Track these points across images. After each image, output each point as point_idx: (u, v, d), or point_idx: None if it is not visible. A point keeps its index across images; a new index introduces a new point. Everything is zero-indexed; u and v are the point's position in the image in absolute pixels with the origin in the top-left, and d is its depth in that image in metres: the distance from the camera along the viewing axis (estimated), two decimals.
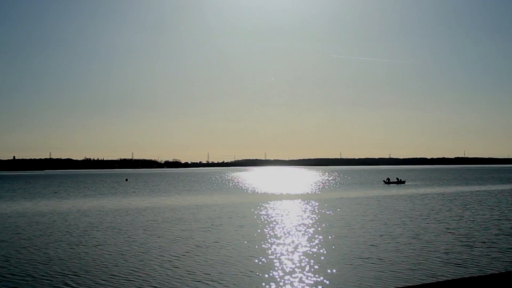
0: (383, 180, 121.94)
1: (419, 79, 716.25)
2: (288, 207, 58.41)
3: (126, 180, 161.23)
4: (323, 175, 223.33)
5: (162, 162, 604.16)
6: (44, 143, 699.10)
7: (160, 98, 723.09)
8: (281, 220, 44.86)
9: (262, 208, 57.43)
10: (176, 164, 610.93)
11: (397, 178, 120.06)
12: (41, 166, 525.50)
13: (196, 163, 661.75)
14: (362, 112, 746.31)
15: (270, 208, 57.27)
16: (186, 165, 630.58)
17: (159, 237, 35.89)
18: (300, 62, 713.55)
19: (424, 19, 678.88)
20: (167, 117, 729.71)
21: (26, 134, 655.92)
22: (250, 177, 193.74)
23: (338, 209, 54.55)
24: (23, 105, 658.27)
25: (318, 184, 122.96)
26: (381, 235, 35.03)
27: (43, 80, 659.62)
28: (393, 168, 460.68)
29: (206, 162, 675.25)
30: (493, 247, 29.87)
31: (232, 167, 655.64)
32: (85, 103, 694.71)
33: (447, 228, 38.33)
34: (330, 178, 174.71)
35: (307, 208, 56.13)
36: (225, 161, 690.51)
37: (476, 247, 29.93)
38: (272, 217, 47.62)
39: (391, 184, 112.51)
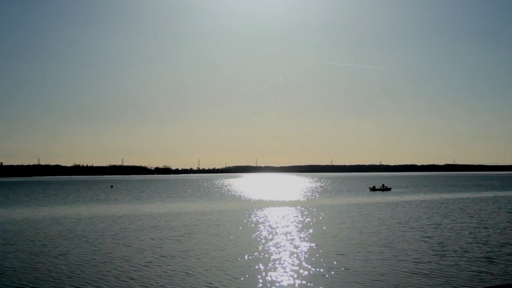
0: (369, 187, 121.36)
1: (410, 86, 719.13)
2: (267, 214, 57.40)
3: (111, 186, 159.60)
4: (312, 182, 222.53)
5: (152, 169, 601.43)
6: (33, 149, 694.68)
7: (151, 104, 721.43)
8: (255, 228, 43.87)
9: (239, 216, 56.42)
10: (166, 171, 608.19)
11: (383, 185, 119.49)
12: (29, 172, 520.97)
13: (187, 169, 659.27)
14: (353, 119, 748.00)
15: (248, 216, 56.27)
16: (176, 171, 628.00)
17: (126, 246, 34.83)
18: (292, 68, 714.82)
19: (414, 26, 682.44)
20: (158, 123, 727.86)
21: (15, 141, 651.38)
22: (237, 184, 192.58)
23: (317, 217, 53.61)
24: (12, 110, 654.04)
25: (304, 191, 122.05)
26: (354, 244, 34.17)
27: (33, 86, 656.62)
28: (383, 175, 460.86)
29: (197, 169, 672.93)
30: (464, 256, 29.08)
31: (223, 173, 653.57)
32: (75, 109, 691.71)
33: (422, 237, 37.55)
34: (319, 185, 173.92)
35: (285, 216, 55.18)
36: (216, 168, 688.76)
37: (447, 256, 29.12)
38: (247, 225, 46.63)
39: (376, 191, 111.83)
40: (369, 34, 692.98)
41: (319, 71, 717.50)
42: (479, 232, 39.95)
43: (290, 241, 35.71)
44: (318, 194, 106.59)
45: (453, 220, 49.26)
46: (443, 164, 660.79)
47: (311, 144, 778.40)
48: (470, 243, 34.22)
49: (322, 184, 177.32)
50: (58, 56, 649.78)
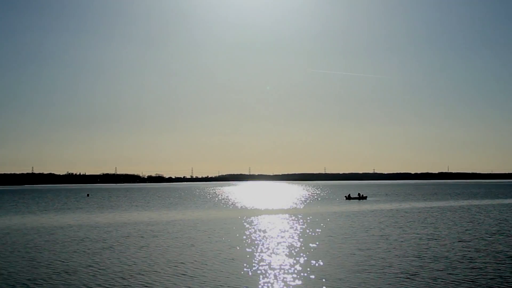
0: (345, 196, 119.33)
1: (403, 94, 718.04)
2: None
3: (88, 195, 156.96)
4: (301, 190, 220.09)
5: (145, 177, 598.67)
6: (27, 158, 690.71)
7: (144, 113, 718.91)
8: (200, 239, 41.54)
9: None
10: (159, 179, 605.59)
11: (359, 194, 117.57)
12: (22, 181, 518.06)
13: (180, 178, 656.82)
14: (346, 127, 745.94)
15: (202, 225, 53.93)
16: (170, 180, 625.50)
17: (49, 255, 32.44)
18: (285, 76, 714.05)
19: (406, 34, 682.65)
20: (152, 132, 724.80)
21: (8, 149, 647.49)
22: (227, 192, 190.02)
23: (266, 228, 51.26)
24: (5, 118, 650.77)
25: (284, 200, 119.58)
26: (285, 255, 31.86)
27: (26, 94, 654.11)
28: (376, 183, 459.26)
29: (190, 177, 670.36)
30: (391, 271, 26.77)
31: (216, 182, 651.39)
32: (69, 118, 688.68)
33: (359, 249, 35.15)
34: (305, 193, 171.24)
35: (233, 225, 52.86)
36: (210, 176, 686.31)
37: (374, 271, 26.82)
38: (193, 236, 44.26)
39: (352, 200, 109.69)
40: (363, 43, 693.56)
41: (312, 80, 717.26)
42: (417, 244, 37.56)
43: (206, 253, 33.42)
44: (289, 202, 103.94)
45: (411, 229, 47.00)
46: (437, 172, 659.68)
47: (304, 152, 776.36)
48: (404, 256, 31.85)
49: (308, 193, 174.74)
50: (52, 64, 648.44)
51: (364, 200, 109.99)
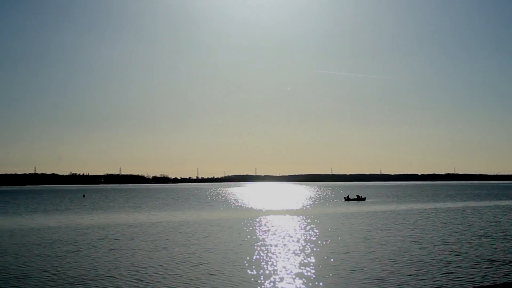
0: (344, 197, 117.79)
1: (410, 95, 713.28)
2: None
3: (84, 196, 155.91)
4: (303, 191, 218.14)
5: (150, 178, 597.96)
6: (29, 158, 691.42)
7: (150, 113, 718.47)
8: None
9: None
10: (164, 180, 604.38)
11: (358, 196, 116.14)
12: (25, 181, 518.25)
13: (186, 178, 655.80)
14: (353, 128, 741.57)
15: (186, 227, 52.55)
16: (175, 180, 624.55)
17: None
18: (292, 77, 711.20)
19: (415, 35, 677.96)
20: (157, 132, 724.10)
21: (10, 149, 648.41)
22: (232, 193, 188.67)
23: (247, 229, 49.81)
24: (8, 118, 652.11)
25: (273, 201, 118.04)
26: (264, 257, 30.45)
27: (30, 94, 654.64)
28: (382, 184, 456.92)
29: (195, 178, 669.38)
30: (359, 275, 25.24)
31: (222, 182, 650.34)
32: (73, 118, 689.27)
33: (334, 252, 33.60)
34: (304, 194, 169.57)
35: (219, 227, 51.45)
36: (215, 177, 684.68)
37: (342, 275, 25.28)
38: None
39: (350, 201, 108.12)
40: (370, 43, 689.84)
41: (318, 80, 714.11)
42: (397, 247, 35.95)
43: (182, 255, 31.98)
44: (287, 204, 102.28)
45: (388, 233, 45.32)
46: (443, 173, 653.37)
47: (311, 153, 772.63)
48: (390, 260, 30.31)
49: (310, 194, 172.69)
50: (57, 64, 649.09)
51: (363, 201, 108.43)
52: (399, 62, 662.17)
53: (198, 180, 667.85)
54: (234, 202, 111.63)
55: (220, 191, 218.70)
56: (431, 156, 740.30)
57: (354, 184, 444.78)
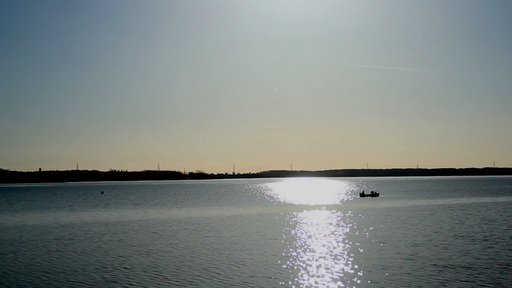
0: (359, 193, 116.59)
1: (446, 88, 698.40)
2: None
3: (102, 193, 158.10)
4: (331, 186, 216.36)
5: (187, 174, 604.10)
6: (72, 155, 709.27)
7: (185, 110, 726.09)
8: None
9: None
10: (200, 176, 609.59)
11: (372, 192, 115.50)
12: (67, 178, 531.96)
13: (222, 174, 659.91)
14: (389, 122, 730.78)
15: (168, 226, 52.70)
16: (211, 176, 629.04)
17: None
18: (327, 72, 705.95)
19: (450, 28, 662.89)
20: (194, 128, 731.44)
21: (54, 146, 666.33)
22: (271, 189, 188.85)
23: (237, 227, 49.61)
24: (52, 117, 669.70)
25: (303, 196, 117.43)
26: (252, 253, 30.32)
27: (70, 93, 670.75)
28: (416, 179, 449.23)
29: (232, 174, 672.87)
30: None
31: (258, 178, 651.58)
32: (114, 116, 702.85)
33: (295, 250, 33.09)
34: (332, 189, 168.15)
35: (201, 226, 51.43)
36: (251, 172, 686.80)
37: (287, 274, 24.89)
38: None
39: (365, 197, 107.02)
40: (405, 37, 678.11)
41: (353, 75, 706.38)
42: (361, 248, 35.08)
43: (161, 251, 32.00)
44: (301, 200, 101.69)
45: (365, 232, 44.33)
46: (482, 167, 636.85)
47: (346, 148, 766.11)
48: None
49: (338, 189, 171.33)
50: (97, 64, 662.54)
51: (376, 197, 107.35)
52: (436, 55, 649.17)
53: (234, 175, 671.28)
54: (259, 197, 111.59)
55: (252, 188, 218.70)
56: (469, 150, 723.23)
57: (391, 179, 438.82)
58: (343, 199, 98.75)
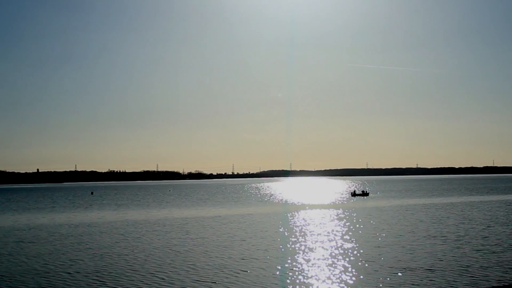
0: (350, 193, 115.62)
1: (446, 87, 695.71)
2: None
3: (92, 193, 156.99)
4: (333, 185, 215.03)
5: (185, 174, 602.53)
6: (70, 156, 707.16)
7: (185, 110, 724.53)
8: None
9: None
10: (199, 176, 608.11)
11: (362, 191, 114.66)
12: (65, 178, 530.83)
13: (221, 174, 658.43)
14: (388, 122, 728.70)
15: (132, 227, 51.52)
16: (210, 176, 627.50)
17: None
18: (326, 72, 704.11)
19: (450, 28, 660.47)
20: (192, 129, 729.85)
21: (52, 147, 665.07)
22: (270, 188, 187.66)
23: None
24: (50, 118, 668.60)
25: (300, 196, 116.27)
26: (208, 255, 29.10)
27: (68, 94, 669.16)
28: (418, 178, 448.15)
29: (231, 173, 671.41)
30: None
31: (257, 178, 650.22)
32: (112, 116, 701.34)
33: (262, 250, 31.85)
34: (329, 188, 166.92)
35: (170, 227, 50.22)
36: (251, 172, 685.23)
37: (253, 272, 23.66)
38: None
39: (356, 197, 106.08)
40: (404, 36, 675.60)
41: (352, 74, 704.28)
42: (329, 247, 33.84)
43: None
44: (288, 199, 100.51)
45: (336, 232, 43.08)
46: (481, 166, 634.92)
47: (346, 147, 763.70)
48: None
49: (334, 188, 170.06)
50: (95, 64, 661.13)
51: (366, 196, 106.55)
52: (435, 55, 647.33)
53: (233, 175, 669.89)
54: (248, 197, 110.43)
55: (246, 188, 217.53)
56: (469, 149, 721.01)
57: (390, 178, 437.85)
58: (334, 199, 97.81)
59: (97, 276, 25.90)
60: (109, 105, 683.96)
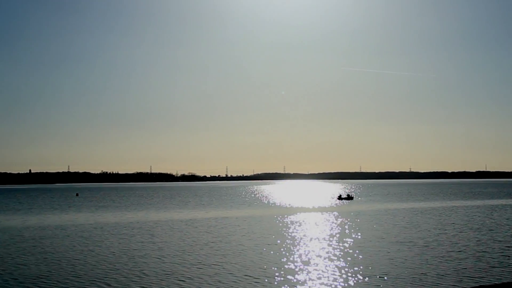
0: (337, 196, 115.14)
1: (440, 92, 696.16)
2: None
3: (77, 195, 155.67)
4: (325, 188, 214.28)
5: (179, 176, 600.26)
6: (63, 157, 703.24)
7: (179, 112, 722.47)
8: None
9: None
10: (192, 178, 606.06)
11: (348, 195, 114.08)
12: (58, 179, 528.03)
13: (215, 176, 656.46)
14: (382, 126, 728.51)
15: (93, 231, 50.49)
16: (204, 178, 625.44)
17: None
18: (321, 75, 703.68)
19: (443, 33, 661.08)
20: (186, 131, 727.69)
21: (44, 148, 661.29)
22: (261, 191, 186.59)
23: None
24: (43, 118, 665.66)
25: (288, 199, 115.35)
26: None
27: (61, 94, 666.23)
28: (408, 182, 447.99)
29: (225, 176, 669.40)
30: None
31: (251, 180, 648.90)
32: (104, 118, 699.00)
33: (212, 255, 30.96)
34: (319, 192, 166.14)
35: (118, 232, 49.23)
36: (244, 175, 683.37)
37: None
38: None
39: (342, 200, 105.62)
40: (398, 41, 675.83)
41: (347, 78, 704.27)
42: (278, 250, 32.98)
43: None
44: (275, 202, 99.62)
45: (294, 237, 42.23)
46: (474, 171, 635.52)
47: (340, 151, 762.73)
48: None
49: (323, 192, 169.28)
50: (89, 66, 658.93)
51: (351, 200, 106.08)
52: (428, 59, 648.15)
53: (227, 178, 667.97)
54: (229, 200, 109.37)
55: (235, 190, 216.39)
56: (461, 154, 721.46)
57: (384, 182, 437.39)
58: (320, 202, 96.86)
59: (33, 282, 24.92)
60: (102, 107, 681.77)
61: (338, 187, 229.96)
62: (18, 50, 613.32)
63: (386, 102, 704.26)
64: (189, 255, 32.93)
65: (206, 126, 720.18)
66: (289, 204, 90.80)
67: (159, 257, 32.21)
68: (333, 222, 54.09)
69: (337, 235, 42.59)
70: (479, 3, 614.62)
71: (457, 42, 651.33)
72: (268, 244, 37.22)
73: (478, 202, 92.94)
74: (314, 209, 75.12)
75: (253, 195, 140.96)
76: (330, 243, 37.82)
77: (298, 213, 68.38)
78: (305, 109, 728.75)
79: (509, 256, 31.40)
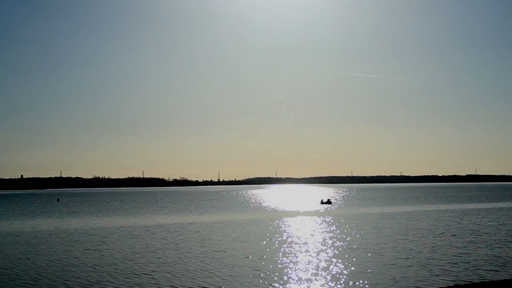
0: (320, 201, 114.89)
1: (430, 96, 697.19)
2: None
3: (58, 200, 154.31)
4: (316, 192, 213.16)
5: (171, 181, 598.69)
6: (55, 162, 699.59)
7: (171, 117, 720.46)
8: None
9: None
10: (184, 183, 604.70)
11: (328, 199, 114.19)
12: (50, 184, 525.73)
13: (207, 181, 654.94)
14: (373, 130, 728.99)
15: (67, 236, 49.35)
16: (196, 183, 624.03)
17: None
18: (311, 79, 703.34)
19: (434, 36, 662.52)
20: (179, 136, 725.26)
21: (37, 153, 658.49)
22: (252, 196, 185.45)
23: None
24: (34, 123, 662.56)
25: (276, 203, 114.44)
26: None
27: (53, 99, 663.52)
28: (402, 186, 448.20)
29: (217, 181, 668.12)
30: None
31: (243, 185, 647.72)
32: (96, 122, 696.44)
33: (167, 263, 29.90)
34: (307, 196, 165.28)
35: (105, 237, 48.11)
36: (236, 179, 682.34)
37: None
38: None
39: (324, 204, 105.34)
40: (389, 44, 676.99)
41: (338, 82, 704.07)
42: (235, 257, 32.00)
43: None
44: (259, 207, 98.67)
45: (252, 243, 41.30)
46: (464, 174, 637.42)
47: (331, 155, 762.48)
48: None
49: (311, 196, 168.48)
50: (78, 69, 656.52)
51: (329, 204, 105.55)
52: (419, 63, 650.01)
53: (219, 182, 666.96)
54: (209, 204, 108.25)
55: (226, 195, 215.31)
56: (452, 157, 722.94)
57: (375, 186, 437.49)
58: (302, 207, 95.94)
59: None
60: (95, 112, 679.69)
61: (328, 191, 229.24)
62: (11, 54, 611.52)
63: (377, 106, 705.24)
64: (124, 263, 31.83)
65: (198, 131, 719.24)
66: (265, 208, 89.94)
67: (93, 265, 31.11)
68: (300, 228, 53.20)
69: (295, 242, 41.57)
70: (471, 7, 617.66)
71: (448, 46, 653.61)
72: (215, 251, 36.25)
73: (454, 206, 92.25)
74: (292, 214, 74.34)
75: (236, 200, 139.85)
76: (273, 247, 36.82)
77: (269, 218, 67.39)
78: (297, 114, 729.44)
79: (455, 263, 30.50)
